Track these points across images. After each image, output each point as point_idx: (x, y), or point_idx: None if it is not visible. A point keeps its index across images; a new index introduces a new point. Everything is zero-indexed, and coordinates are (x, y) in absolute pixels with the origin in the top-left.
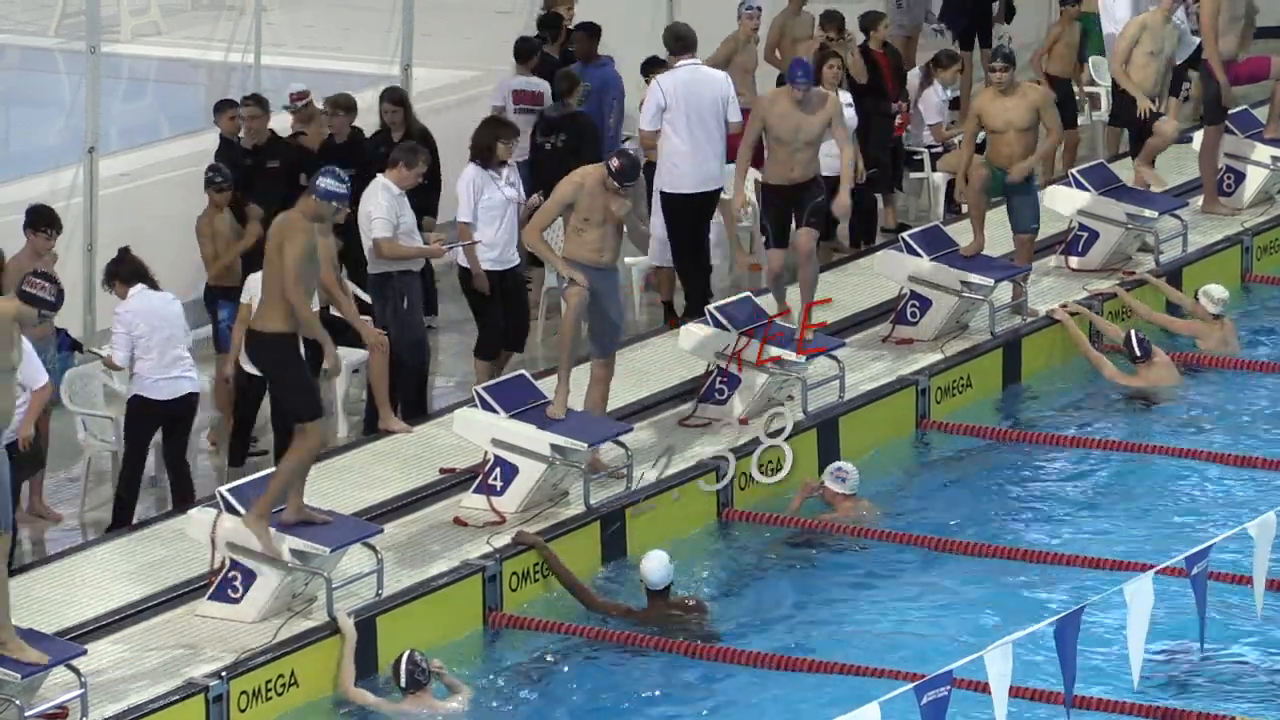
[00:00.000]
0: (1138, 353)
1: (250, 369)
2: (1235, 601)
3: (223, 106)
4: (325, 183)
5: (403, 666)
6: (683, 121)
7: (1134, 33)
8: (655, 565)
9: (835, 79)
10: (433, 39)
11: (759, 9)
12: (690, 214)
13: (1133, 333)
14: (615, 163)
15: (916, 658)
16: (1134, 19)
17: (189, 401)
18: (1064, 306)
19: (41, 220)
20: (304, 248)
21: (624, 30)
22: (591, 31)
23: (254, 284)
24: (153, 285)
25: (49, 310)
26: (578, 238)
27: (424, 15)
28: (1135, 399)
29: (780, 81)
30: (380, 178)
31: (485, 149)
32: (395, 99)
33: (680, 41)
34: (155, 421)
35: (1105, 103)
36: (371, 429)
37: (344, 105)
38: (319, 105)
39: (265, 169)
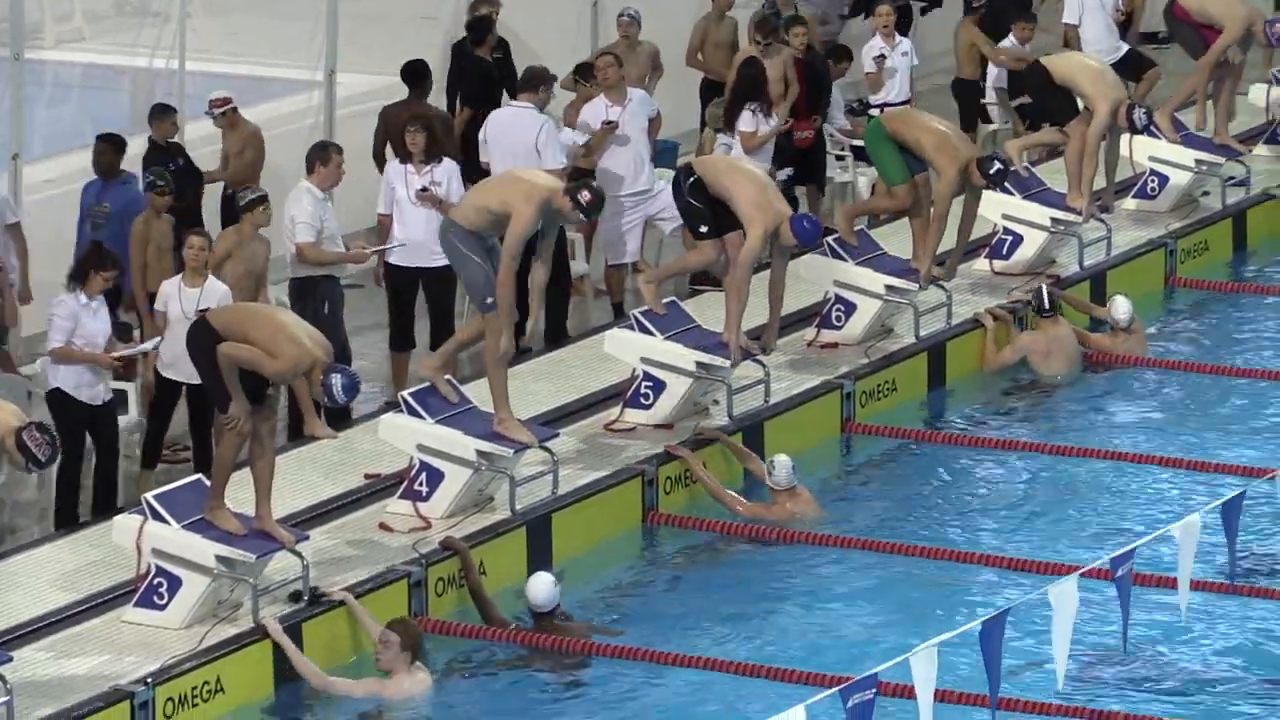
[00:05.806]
0: (1046, 306)
1: (166, 375)
2: (1159, 602)
3: (157, 112)
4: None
5: None
6: (499, 162)
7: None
8: (541, 587)
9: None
10: (357, 45)
11: (632, 16)
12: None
13: (1043, 286)
14: (585, 196)
15: (842, 661)
16: None
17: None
18: (989, 310)
19: None
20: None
21: (551, 39)
22: (117, 145)
23: (168, 290)
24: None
25: (35, 467)
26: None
27: (349, 22)
28: (1037, 389)
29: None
30: (304, 182)
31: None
32: None
33: (524, 81)
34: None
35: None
36: (296, 434)
37: None
38: (242, 112)
39: None
